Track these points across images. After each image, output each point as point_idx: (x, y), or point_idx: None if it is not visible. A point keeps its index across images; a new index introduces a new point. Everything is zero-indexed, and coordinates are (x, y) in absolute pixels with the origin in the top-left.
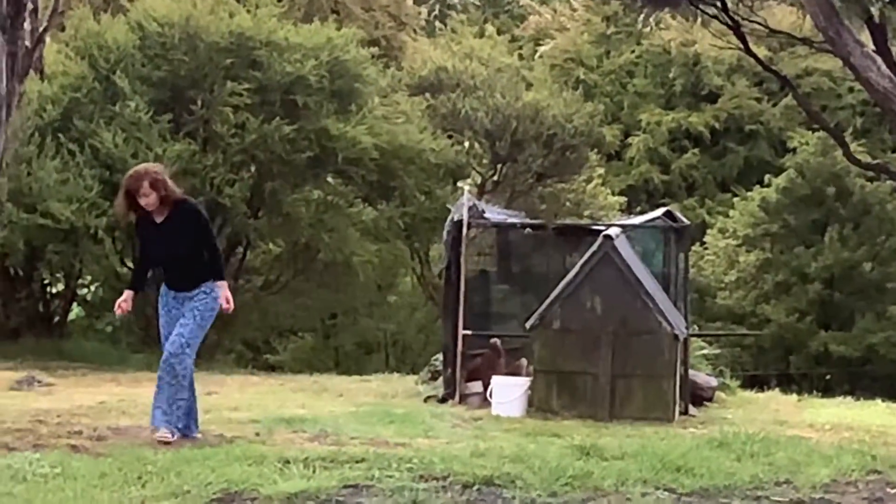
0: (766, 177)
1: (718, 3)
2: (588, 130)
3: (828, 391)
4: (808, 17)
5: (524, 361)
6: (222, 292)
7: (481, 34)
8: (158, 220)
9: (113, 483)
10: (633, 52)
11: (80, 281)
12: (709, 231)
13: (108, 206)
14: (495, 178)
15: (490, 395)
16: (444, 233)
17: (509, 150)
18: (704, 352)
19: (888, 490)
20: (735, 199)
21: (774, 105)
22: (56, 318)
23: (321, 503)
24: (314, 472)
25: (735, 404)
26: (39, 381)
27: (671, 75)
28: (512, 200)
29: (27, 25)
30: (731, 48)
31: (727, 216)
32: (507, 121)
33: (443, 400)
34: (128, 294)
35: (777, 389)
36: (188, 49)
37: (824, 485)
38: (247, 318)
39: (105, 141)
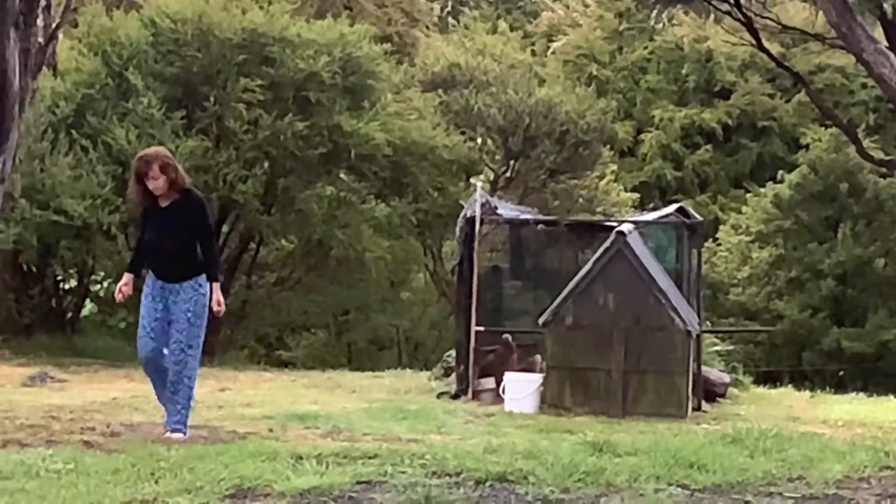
0: (779, 173)
1: (731, 0)
2: (601, 127)
3: (841, 387)
4: (820, 13)
5: (538, 358)
6: (215, 295)
7: (494, 30)
8: (163, 204)
9: (126, 479)
10: (645, 48)
11: (93, 277)
12: (721, 227)
13: (121, 202)
14: (508, 174)
15: (503, 392)
16: (457, 229)
17: (522, 146)
18: (717, 348)
19: None
20: (748, 196)
21: (787, 101)
22: (69, 315)
23: (334, 499)
24: (327, 468)
25: (748, 400)
26: (52, 378)
27: (684, 71)
28: (525, 197)
29: (40, 22)
30: (743, 44)
31: (740, 212)
32: (520, 117)
33: (455, 396)
34: (128, 277)
35: (790, 386)
36: (201, 45)
37: (837, 481)
38: (260, 314)
39: (118, 137)
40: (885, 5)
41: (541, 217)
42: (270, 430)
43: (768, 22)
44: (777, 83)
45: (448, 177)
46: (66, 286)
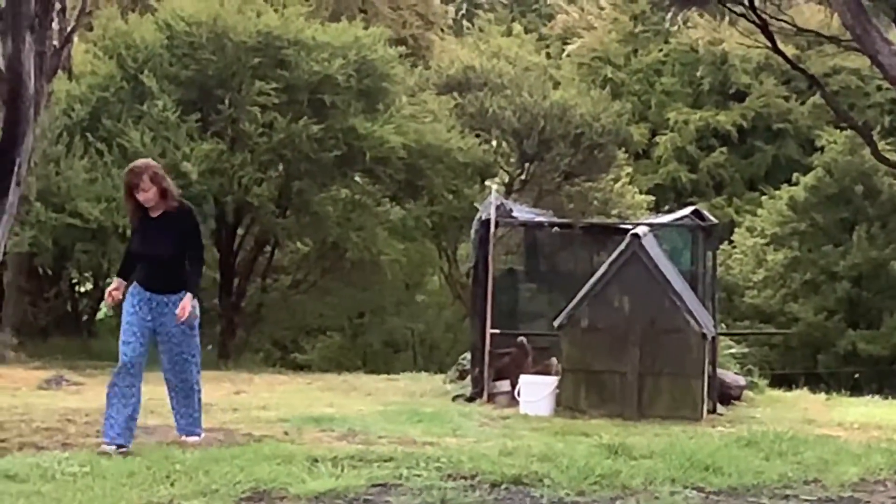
0: (794, 175)
1: (746, 2)
2: (616, 129)
3: (856, 390)
4: (835, 15)
5: (553, 360)
6: (184, 301)
7: (509, 33)
8: (153, 215)
9: (142, 482)
10: (660, 50)
11: (108, 280)
12: (737, 230)
13: None
14: (523, 176)
15: (518, 394)
16: (472, 231)
17: (537, 148)
18: (732, 351)
19: None
20: (763, 198)
21: (802, 103)
22: (84, 318)
23: (349, 502)
24: (342, 470)
25: (763, 403)
26: (68, 381)
27: (699, 74)
28: (539, 199)
29: (55, 25)
30: (758, 46)
31: (755, 215)
32: (535, 119)
33: (471, 399)
34: (118, 282)
35: (805, 388)
36: (216, 48)
37: (853, 483)
38: (275, 317)
39: (133, 140)
40: None
41: (556, 220)
42: (286, 433)
43: (783, 24)
44: (792, 85)
45: (463, 179)
46: (82, 289)
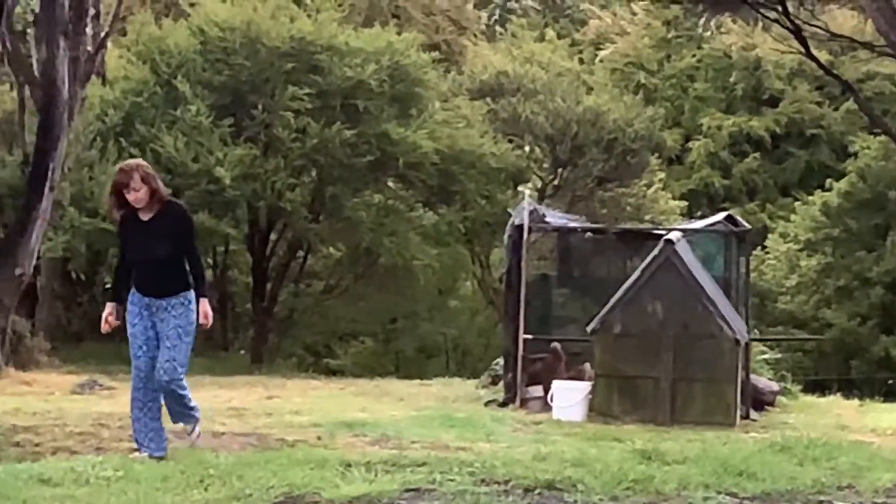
0: (828, 181)
1: (779, 7)
2: (649, 135)
3: (890, 396)
4: (869, 21)
5: (586, 366)
6: (202, 307)
7: (542, 38)
8: (144, 218)
9: (175, 486)
10: (693, 56)
11: None
12: (770, 235)
13: None
14: (556, 182)
15: (551, 400)
16: (505, 237)
17: (570, 154)
18: (766, 356)
19: None
20: (796, 204)
21: (836, 109)
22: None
23: None
24: (376, 475)
25: (796, 409)
26: (101, 385)
27: (732, 79)
28: (572, 204)
29: (89, 30)
30: (792, 52)
31: (788, 220)
32: (568, 125)
33: (503, 404)
34: (111, 307)
35: (838, 394)
36: (249, 53)
37: (887, 489)
38: (307, 322)
39: (166, 145)
40: None
41: (589, 225)
42: (319, 438)
43: (817, 30)
44: (826, 91)
45: (496, 185)
46: None
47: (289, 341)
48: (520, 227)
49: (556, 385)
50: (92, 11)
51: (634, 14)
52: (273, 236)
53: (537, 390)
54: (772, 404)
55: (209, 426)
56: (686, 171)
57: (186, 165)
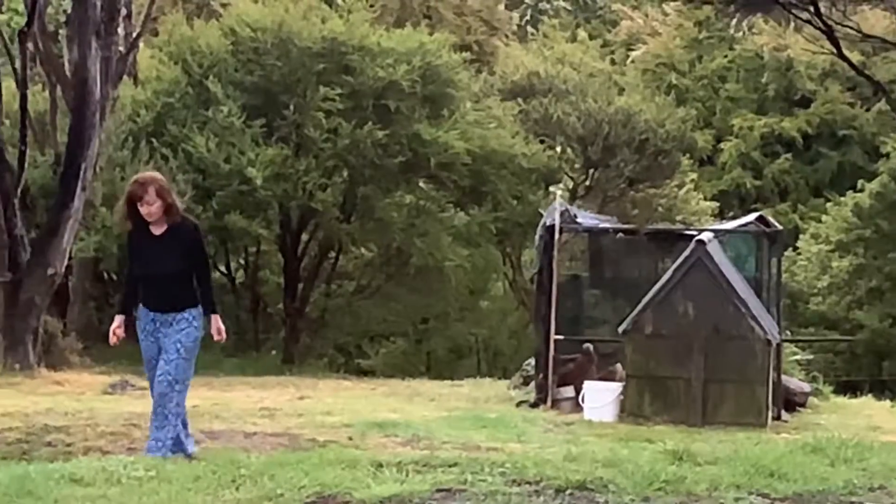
0: (859, 182)
1: (811, 8)
2: (680, 135)
3: None
4: None
5: (618, 366)
6: (215, 324)
7: (573, 39)
8: (156, 232)
9: (207, 486)
10: (725, 56)
11: None
12: (801, 236)
13: (201, 210)
14: (587, 182)
15: (582, 400)
16: (537, 237)
17: (601, 154)
18: (797, 357)
19: None
20: (828, 205)
21: (867, 110)
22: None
23: None
24: (407, 476)
25: (828, 410)
26: (133, 385)
27: (764, 80)
28: (604, 205)
29: (121, 31)
30: (823, 53)
31: (820, 221)
32: (599, 126)
33: (535, 405)
34: (119, 320)
35: (870, 395)
36: (281, 54)
37: None
38: (339, 322)
39: (198, 145)
40: None
41: (620, 226)
42: (350, 438)
43: (849, 30)
44: (857, 92)
45: (527, 185)
46: None
47: (320, 342)
48: (551, 228)
49: (588, 386)
50: (124, 12)
51: (666, 15)
52: (304, 237)
53: (569, 391)
54: (803, 405)
55: (241, 426)
56: (717, 172)
57: (218, 166)
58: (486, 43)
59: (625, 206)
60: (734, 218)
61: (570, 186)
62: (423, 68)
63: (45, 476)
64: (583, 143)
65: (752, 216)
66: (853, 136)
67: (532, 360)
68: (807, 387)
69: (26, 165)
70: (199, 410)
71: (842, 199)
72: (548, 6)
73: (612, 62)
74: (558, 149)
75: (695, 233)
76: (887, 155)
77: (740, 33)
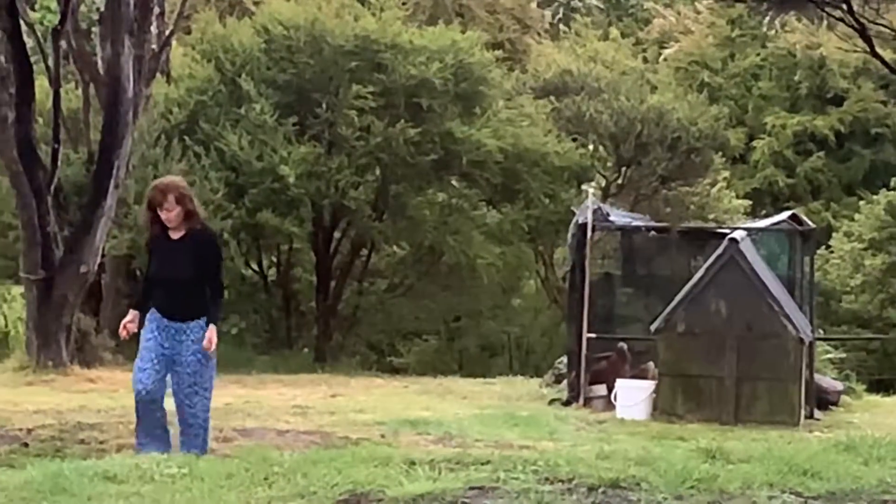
0: (893, 180)
1: (844, 6)
2: (713, 133)
3: None
4: None
5: (650, 365)
6: (208, 332)
7: (605, 37)
8: (174, 237)
9: (240, 484)
10: (758, 54)
11: None
12: (834, 234)
13: (234, 208)
14: (619, 180)
15: (614, 399)
16: (569, 236)
17: (634, 152)
18: (830, 356)
19: None
20: (861, 203)
21: None
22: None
23: None
24: (439, 473)
25: (861, 408)
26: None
27: (796, 78)
28: (636, 203)
29: (154, 29)
30: (856, 51)
31: (853, 220)
32: (632, 124)
33: (567, 403)
34: (133, 314)
35: None
36: (313, 52)
37: None
38: (371, 320)
39: (231, 143)
40: None
41: (653, 224)
42: (382, 436)
43: (882, 28)
44: (891, 90)
45: (559, 183)
46: None
47: (352, 339)
48: (584, 226)
49: (620, 384)
50: (157, 10)
51: (699, 13)
52: (337, 235)
53: (601, 389)
54: (836, 404)
55: (273, 424)
56: (750, 170)
57: (251, 164)
58: (518, 41)
59: (657, 205)
60: (767, 216)
61: (603, 184)
62: (455, 66)
63: (78, 473)
64: (615, 141)
65: (784, 214)
66: (886, 134)
67: (564, 358)
68: (839, 385)
69: (59, 163)
70: (232, 408)
71: (875, 197)
72: (580, 4)
73: (645, 60)
74: (591, 147)
75: (727, 231)
76: None
77: (773, 31)
